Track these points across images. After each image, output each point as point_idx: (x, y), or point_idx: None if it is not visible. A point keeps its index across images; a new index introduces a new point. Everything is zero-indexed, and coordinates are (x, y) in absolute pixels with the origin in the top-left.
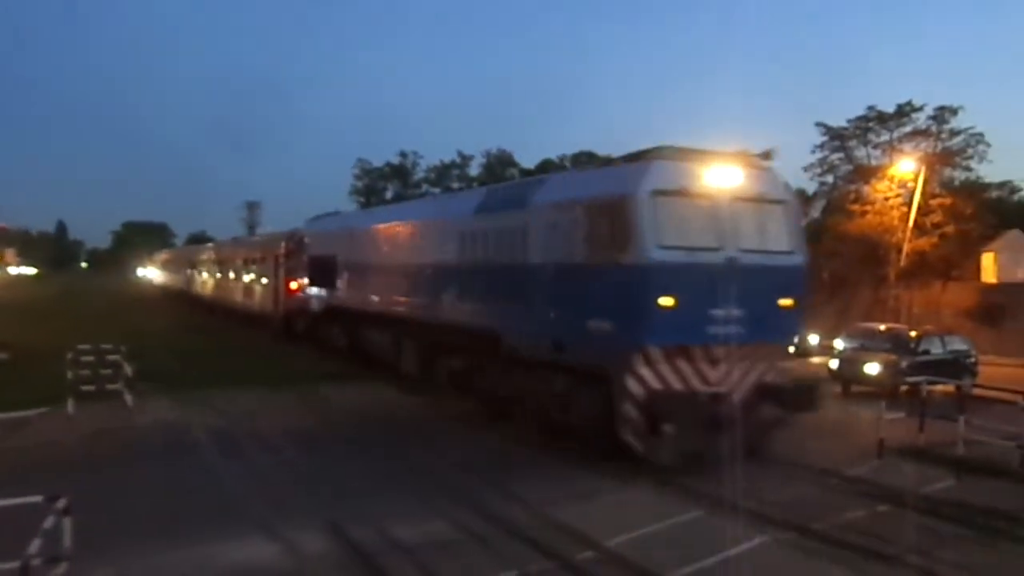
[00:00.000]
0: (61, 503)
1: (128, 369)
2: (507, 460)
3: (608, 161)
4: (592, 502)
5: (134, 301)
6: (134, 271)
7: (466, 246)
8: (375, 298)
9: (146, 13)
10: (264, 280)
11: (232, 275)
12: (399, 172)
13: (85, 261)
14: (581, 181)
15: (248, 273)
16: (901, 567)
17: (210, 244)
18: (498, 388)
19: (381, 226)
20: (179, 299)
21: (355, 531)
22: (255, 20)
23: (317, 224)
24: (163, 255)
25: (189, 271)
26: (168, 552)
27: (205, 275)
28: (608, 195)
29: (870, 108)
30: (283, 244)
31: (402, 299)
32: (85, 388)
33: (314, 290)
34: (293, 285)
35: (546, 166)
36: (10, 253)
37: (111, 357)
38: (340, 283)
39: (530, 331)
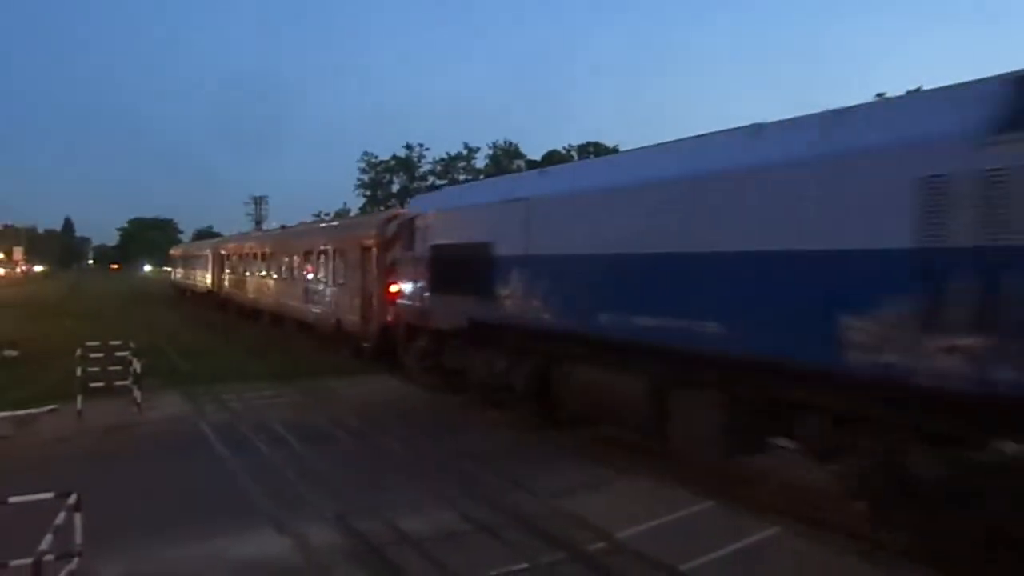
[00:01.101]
0: (72, 499)
1: (137, 365)
2: (517, 451)
3: None
4: (603, 493)
5: (148, 304)
6: (143, 267)
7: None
8: (604, 315)
9: (150, 10)
10: (342, 280)
11: (287, 273)
12: (405, 165)
13: (92, 258)
14: None
15: (316, 271)
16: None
17: (255, 233)
18: None
19: (610, 191)
20: (204, 301)
21: (363, 523)
22: (260, 16)
23: (440, 200)
24: (181, 249)
25: (219, 268)
26: (179, 547)
27: (244, 273)
28: None
29: (879, 95)
30: (378, 230)
31: (672, 318)
32: (94, 384)
33: (439, 297)
34: (397, 288)
35: (552, 157)
36: (18, 251)
37: (120, 354)
38: (501, 287)
39: None
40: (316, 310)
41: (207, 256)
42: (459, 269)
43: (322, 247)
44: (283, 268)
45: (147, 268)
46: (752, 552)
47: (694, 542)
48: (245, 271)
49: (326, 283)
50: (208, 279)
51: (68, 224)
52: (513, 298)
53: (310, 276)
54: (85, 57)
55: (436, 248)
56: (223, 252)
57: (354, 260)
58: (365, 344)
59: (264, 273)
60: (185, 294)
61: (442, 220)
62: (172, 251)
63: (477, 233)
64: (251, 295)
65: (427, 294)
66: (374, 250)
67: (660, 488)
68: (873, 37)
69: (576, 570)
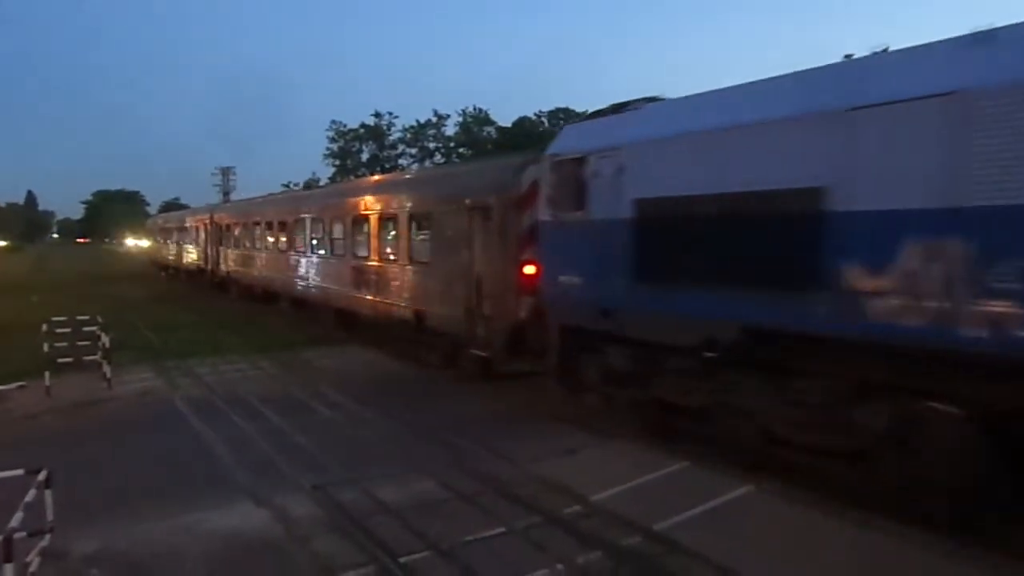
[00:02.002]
0: (42, 475)
1: (105, 340)
2: (495, 419)
3: None
4: (578, 457)
5: (134, 284)
6: (112, 241)
7: None
8: None
9: None
10: (427, 257)
11: (324, 247)
12: (374, 133)
13: (57, 232)
14: None
15: (375, 243)
16: (887, 509)
17: (272, 196)
18: None
19: None
20: (192, 280)
21: (342, 494)
22: None
23: (652, 122)
24: (161, 220)
25: (214, 240)
26: (153, 521)
27: (254, 247)
28: None
29: (846, 57)
30: (502, 182)
31: None
32: (63, 360)
33: (652, 289)
34: (540, 269)
35: (523, 124)
36: None
37: (88, 328)
38: (853, 269)
39: None
40: (374, 297)
41: (196, 227)
42: (714, 240)
43: (388, 211)
44: (317, 240)
45: (131, 242)
46: (725, 510)
47: (668, 502)
48: (255, 244)
49: (394, 259)
50: (198, 254)
51: (31, 197)
52: (895, 291)
53: (364, 250)
54: (42, 29)
55: (646, 206)
56: (221, 222)
57: (451, 227)
58: (476, 351)
59: (285, 247)
60: (167, 271)
61: (662, 157)
62: (150, 222)
63: (778, 171)
64: (263, 274)
65: (620, 281)
66: (494, 212)
67: (635, 451)
68: None
69: (551, 533)
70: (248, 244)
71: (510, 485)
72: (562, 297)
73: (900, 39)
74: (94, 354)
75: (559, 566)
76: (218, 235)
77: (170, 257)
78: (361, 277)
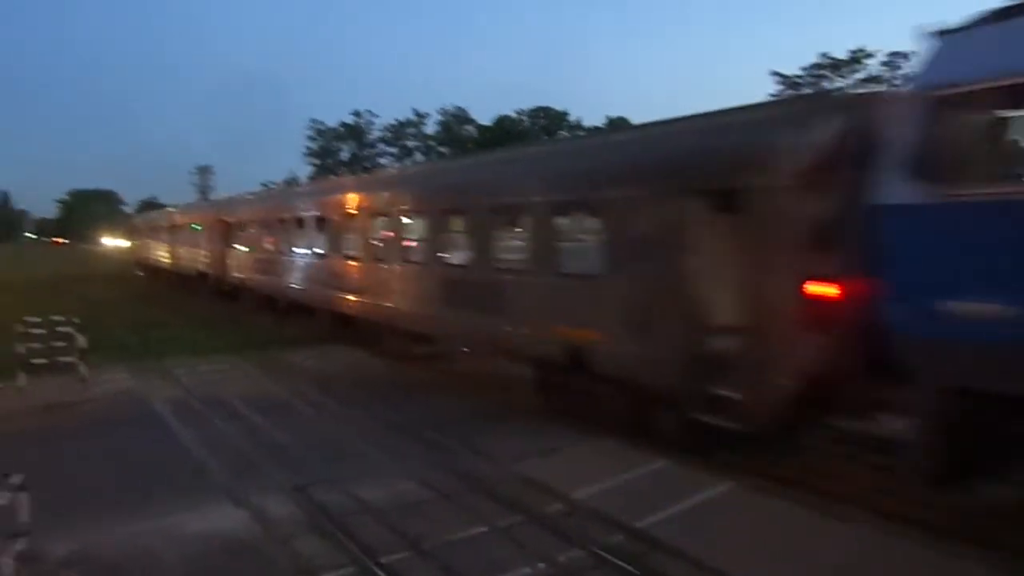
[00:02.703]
0: (16, 479)
1: (81, 340)
2: (477, 418)
3: None
4: (559, 456)
5: (117, 286)
6: (90, 240)
7: None
8: None
9: None
10: (627, 266)
11: (396, 251)
12: (354, 132)
13: (33, 232)
14: None
15: (525, 243)
16: (861, 509)
17: (311, 186)
18: None
19: None
20: (189, 286)
21: (323, 494)
22: None
23: None
24: (153, 217)
25: (223, 241)
26: (132, 523)
27: (285, 250)
28: None
29: (823, 55)
30: (750, 161)
31: None
32: (37, 361)
33: None
34: (836, 290)
35: (503, 123)
36: None
37: (62, 329)
38: None
39: None
40: (484, 319)
41: (196, 225)
42: None
43: (510, 198)
44: (382, 242)
45: (109, 242)
46: (707, 507)
47: (650, 500)
48: (279, 247)
49: (528, 268)
50: (201, 257)
51: (4, 197)
52: None
53: (465, 255)
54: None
55: None
56: (230, 219)
57: (644, 221)
58: (713, 419)
59: (327, 251)
60: (158, 276)
61: None
62: (136, 220)
63: None
64: (298, 284)
65: None
66: (755, 196)
67: (617, 449)
68: None
69: (533, 531)
70: (271, 246)
71: (492, 484)
72: (951, 339)
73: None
74: (70, 355)
75: (541, 565)
76: (226, 235)
77: (161, 260)
78: (456, 292)
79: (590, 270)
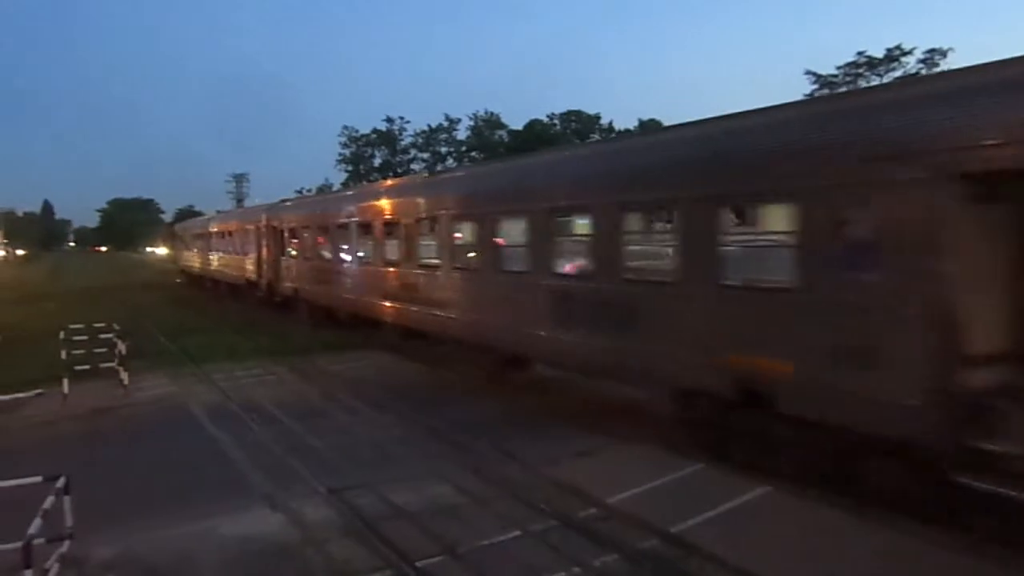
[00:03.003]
0: (60, 482)
1: (122, 347)
2: (509, 422)
3: None
4: (593, 460)
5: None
6: (130, 248)
7: None
8: None
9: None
10: (835, 274)
11: (532, 257)
12: (386, 138)
13: (74, 241)
14: None
15: (673, 247)
16: (899, 511)
17: (392, 184)
18: None
19: None
20: (238, 295)
21: (358, 498)
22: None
23: None
24: (200, 224)
25: (276, 247)
26: (171, 527)
27: (359, 259)
28: None
29: (859, 54)
30: None
31: None
32: (80, 368)
33: None
34: None
35: (534, 127)
36: None
37: (104, 336)
38: None
39: None
40: (614, 343)
41: (244, 232)
42: None
43: (647, 194)
44: (473, 250)
45: (156, 250)
46: (742, 512)
47: (684, 505)
48: (340, 256)
49: (674, 278)
50: (251, 266)
51: (47, 207)
52: None
53: (582, 263)
54: (63, 43)
55: None
56: (281, 226)
57: (867, 215)
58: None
59: (401, 259)
60: (199, 283)
61: None
62: (176, 228)
63: None
64: (364, 295)
65: None
66: None
67: (650, 453)
68: None
69: (567, 536)
70: (329, 254)
71: (525, 488)
72: None
73: None
74: (111, 361)
75: (575, 569)
76: (278, 242)
77: (204, 268)
78: (570, 308)
79: (778, 281)
